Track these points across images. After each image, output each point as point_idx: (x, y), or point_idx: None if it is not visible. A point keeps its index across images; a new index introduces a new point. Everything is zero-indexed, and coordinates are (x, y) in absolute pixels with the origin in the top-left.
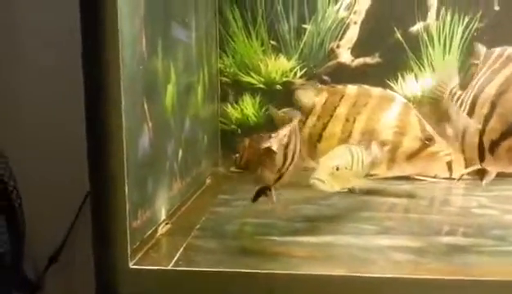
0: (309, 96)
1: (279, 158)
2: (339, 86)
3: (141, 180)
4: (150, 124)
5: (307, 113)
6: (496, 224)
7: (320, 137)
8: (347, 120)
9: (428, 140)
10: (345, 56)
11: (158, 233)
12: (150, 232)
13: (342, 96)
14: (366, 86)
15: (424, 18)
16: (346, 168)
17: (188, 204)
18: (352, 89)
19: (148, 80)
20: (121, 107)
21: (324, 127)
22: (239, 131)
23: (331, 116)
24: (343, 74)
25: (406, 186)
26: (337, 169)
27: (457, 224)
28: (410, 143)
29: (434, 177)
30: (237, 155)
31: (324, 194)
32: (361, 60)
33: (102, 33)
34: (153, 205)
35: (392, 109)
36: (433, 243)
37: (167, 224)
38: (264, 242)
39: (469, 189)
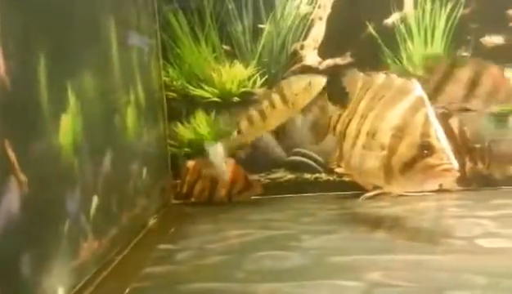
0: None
1: None
2: (374, 75)
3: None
4: (22, 176)
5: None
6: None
7: (344, 136)
8: (362, 116)
9: (426, 149)
10: (311, 58)
11: None
12: None
13: (369, 88)
14: (393, 75)
15: (401, 7)
16: None
17: (113, 265)
18: (379, 78)
19: (17, 115)
20: None
21: (347, 125)
22: (193, 153)
23: (355, 112)
24: None
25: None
26: None
27: (467, 267)
28: (405, 150)
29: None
30: (178, 182)
31: (292, 237)
32: (330, 62)
33: None
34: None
35: (402, 104)
36: None
37: None
38: None
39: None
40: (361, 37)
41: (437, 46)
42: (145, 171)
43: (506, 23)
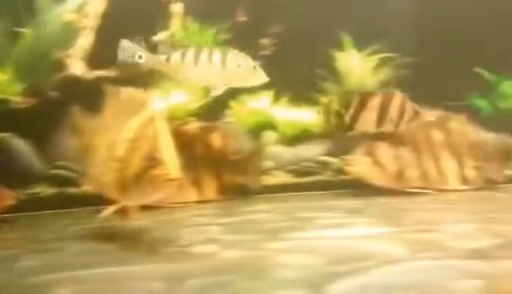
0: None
1: None
2: (120, 89)
3: None
4: None
5: None
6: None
7: (89, 149)
8: (105, 129)
9: (150, 160)
10: (77, 68)
11: None
12: None
13: (114, 102)
14: (133, 90)
15: (168, 27)
16: None
17: None
18: (123, 93)
19: None
20: None
21: (92, 138)
22: None
23: (100, 125)
24: (76, 89)
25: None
26: None
27: (166, 273)
28: (137, 162)
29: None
30: None
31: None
32: (96, 73)
33: None
34: None
35: (137, 118)
36: None
37: None
38: None
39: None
40: None
41: None
42: None
43: (259, 50)
